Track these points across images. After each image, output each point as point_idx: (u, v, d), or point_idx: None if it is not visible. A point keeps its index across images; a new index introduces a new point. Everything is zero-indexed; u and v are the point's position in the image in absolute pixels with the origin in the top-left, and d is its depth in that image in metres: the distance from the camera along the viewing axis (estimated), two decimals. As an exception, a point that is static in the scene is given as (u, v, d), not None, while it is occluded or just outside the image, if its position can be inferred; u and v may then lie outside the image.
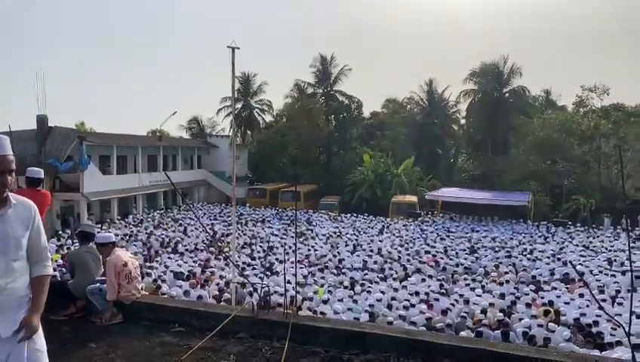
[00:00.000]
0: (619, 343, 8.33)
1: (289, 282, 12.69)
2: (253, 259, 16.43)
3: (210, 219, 26.34)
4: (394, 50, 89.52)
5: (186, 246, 18.45)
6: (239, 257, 16.12)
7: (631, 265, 10.77)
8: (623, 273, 14.42)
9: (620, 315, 9.75)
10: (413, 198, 32.00)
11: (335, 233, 22.51)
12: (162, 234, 20.59)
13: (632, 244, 21.22)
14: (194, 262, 15.44)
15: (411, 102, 48.22)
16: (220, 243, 19.15)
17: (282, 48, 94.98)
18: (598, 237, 23.28)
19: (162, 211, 29.55)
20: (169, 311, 4.65)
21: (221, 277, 13.27)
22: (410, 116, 46.16)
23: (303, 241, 19.90)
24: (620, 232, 25.22)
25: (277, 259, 15.69)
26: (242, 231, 22.01)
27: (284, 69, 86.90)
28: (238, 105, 46.05)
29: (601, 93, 35.78)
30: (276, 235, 21.37)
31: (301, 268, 14.89)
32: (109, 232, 7.66)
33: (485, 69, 40.46)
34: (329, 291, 12.20)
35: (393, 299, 11.57)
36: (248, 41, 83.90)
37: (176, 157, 36.07)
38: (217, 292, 11.51)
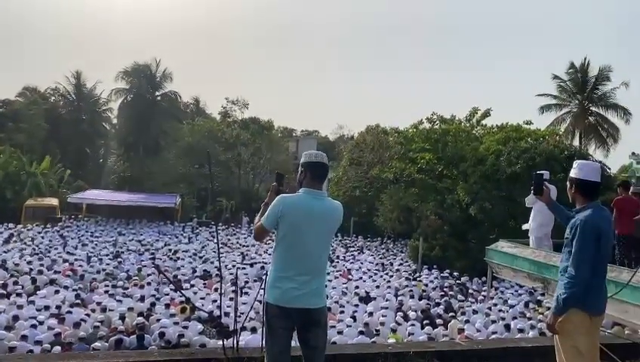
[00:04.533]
0: (244, 328, 9.33)
1: None
2: None
3: None
4: (35, 32, 78.58)
5: None
6: None
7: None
8: (252, 265, 16.48)
9: (245, 303, 10.97)
10: (53, 201, 28.65)
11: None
12: None
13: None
14: None
15: (56, 94, 43.30)
16: None
17: None
18: (235, 234, 25.95)
19: None
20: None
21: None
22: (54, 109, 41.32)
23: None
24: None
25: None
26: None
27: None
28: None
29: (242, 106, 40.31)
30: None
31: None
32: None
33: (137, 70, 39.88)
34: None
35: (16, 318, 9.94)
36: None
37: None
38: None
